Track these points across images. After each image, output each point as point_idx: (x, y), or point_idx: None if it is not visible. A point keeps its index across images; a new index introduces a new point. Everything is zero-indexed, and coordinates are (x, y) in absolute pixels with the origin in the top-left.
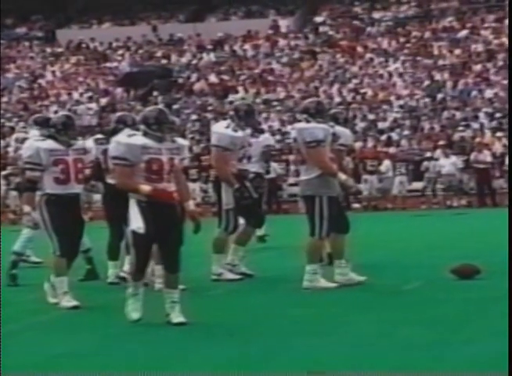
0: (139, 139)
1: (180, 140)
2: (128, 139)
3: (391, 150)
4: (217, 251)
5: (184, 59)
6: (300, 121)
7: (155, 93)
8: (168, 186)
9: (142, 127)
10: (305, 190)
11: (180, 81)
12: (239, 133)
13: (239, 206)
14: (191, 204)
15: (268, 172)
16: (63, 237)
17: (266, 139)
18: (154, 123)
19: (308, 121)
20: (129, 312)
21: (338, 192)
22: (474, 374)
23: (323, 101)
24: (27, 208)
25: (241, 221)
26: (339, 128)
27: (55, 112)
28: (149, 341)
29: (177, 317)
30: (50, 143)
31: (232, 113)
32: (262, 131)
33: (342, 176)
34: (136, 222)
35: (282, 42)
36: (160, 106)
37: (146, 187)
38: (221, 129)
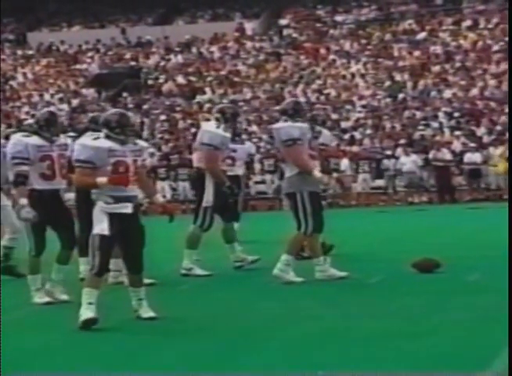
0: (105, 142)
1: (140, 142)
2: (94, 142)
3: (354, 148)
4: (189, 247)
5: (152, 61)
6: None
7: (124, 94)
8: (134, 188)
9: (104, 130)
10: (287, 188)
11: (149, 82)
12: (228, 134)
13: (218, 203)
14: (159, 197)
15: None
16: (39, 238)
17: (250, 147)
18: (117, 126)
19: (285, 121)
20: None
21: (319, 188)
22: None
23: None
24: (23, 201)
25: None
26: (318, 129)
27: (27, 113)
28: (118, 336)
29: (146, 312)
30: (36, 139)
31: (217, 115)
32: (240, 135)
33: (317, 174)
34: (100, 225)
35: (247, 44)
36: (121, 109)
37: (102, 178)
38: (213, 129)
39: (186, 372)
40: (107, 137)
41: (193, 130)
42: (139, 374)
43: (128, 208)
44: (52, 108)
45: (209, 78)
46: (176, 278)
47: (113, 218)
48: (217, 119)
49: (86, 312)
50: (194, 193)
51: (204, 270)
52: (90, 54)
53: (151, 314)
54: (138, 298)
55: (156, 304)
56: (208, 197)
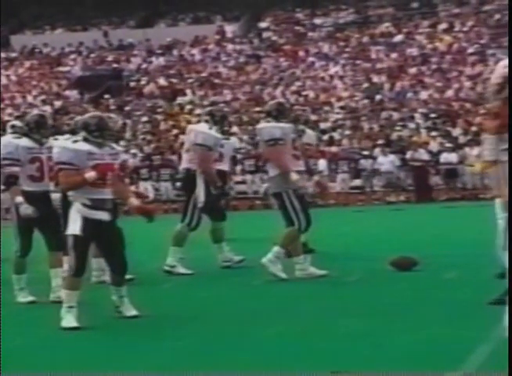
0: (84, 145)
1: (115, 146)
2: (73, 145)
3: (333, 149)
4: (175, 244)
5: (134, 64)
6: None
7: (107, 96)
8: (109, 191)
9: (82, 133)
10: (272, 188)
11: (131, 84)
12: (220, 135)
13: (208, 203)
14: (134, 200)
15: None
16: (26, 239)
17: (235, 142)
18: (95, 130)
19: (268, 122)
20: (65, 323)
21: (303, 186)
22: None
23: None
24: (19, 199)
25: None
26: (301, 128)
27: (10, 115)
28: (101, 336)
29: (129, 310)
30: (26, 141)
31: (207, 117)
32: (228, 138)
33: (294, 176)
34: (74, 225)
35: (228, 47)
36: (100, 113)
37: (90, 173)
38: (206, 130)
39: (168, 371)
40: (85, 140)
41: (175, 131)
42: (121, 373)
43: (105, 216)
44: (36, 110)
45: (190, 80)
46: (158, 277)
47: (88, 221)
48: (206, 121)
49: (68, 319)
50: (183, 193)
51: (187, 269)
52: (73, 56)
53: (134, 312)
54: (119, 295)
55: (138, 302)
56: (200, 197)
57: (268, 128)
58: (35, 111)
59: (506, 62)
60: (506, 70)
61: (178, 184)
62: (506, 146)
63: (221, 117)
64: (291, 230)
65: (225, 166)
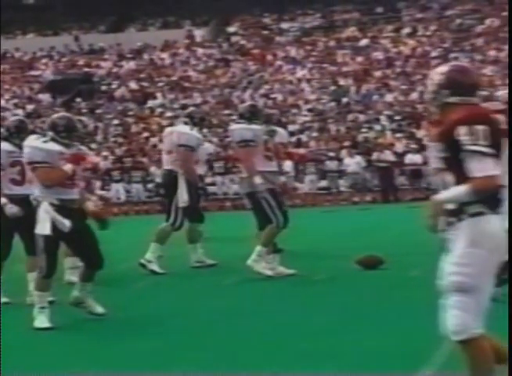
0: (54, 146)
1: (82, 147)
2: (45, 144)
3: (301, 150)
4: (156, 241)
5: (105, 68)
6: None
7: (78, 99)
8: (77, 191)
9: (50, 133)
10: (245, 188)
11: (102, 88)
12: (201, 136)
13: (191, 204)
14: (90, 205)
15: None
16: (6, 243)
17: (209, 146)
18: (63, 130)
19: (240, 124)
20: (38, 323)
21: (276, 184)
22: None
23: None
24: (3, 200)
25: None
26: (272, 128)
27: None
28: (73, 334)
29: (95, 308)
30: (6, 145)
31: (186, 119)
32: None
33: (257, 180)
34: (43, 225)
35: (197, 51)
36: (67, 113)
37: (67, 165)
38: (188, 131)
39: (140, 371)
40: (53, 140)
41: (146, 134)
42: (90, 373)
43: (65, 227)
44: (8, 113)
45: (160, 84)
46: (129, 277)
47: (55, 222)
48: (185, 123)
49: (40, 319)
50: (164, 193)
51: (160, 268)
52: (44, 61)
53: (101, 310)
54: (86, 291)
55: (110, 302)
56: (183, 197)
57: (239, 129)
58: (15, 117)
59: (442, 69)
60: (442, 76)
61: (156, 185)
62: (444, 154)
63: (200, 119)
64: (270, 228)
65: (200, 170)
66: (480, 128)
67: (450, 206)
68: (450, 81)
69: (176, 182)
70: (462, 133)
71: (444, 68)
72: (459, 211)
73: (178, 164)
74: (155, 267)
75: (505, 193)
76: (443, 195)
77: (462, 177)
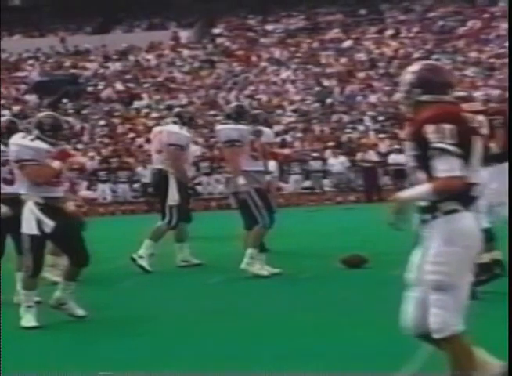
0: (41, 144)
1: (67, 146)
2: (32, 143)
3: (286, 151)
4: (151, 238)
5: (91, 69)
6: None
7: (65, 100)
8: (62, 190)
9: (35, 131)
10: (231, 188)
11: (88, 89)
12: (190, 135)
13: (181, 203)
14: (70, 205)
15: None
16: None
17: (196, 149)
18: (49, 129)
19: (227, 124)
20: (24, 322)
21: (263, 184)
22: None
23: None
24: None
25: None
26: (258, 128)
27: None
28: (60, 333)
29: (76, 310)
30: None
31: (175, 119)
32: None
33: (240, 181)
34: (29, 224)
35: (183, 52)
36: (54, 113)
37: (55, 163)
38: (178, 130)
39: (126, 370)
40: (38, 138)
41: (132, 134)
42: (77, 373)
43: (48, 226)
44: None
45: (146, 85)
46: (115, 276)
47: (40, 220)
48: (174, 122)
49: (27, 318)
50: (156, 193)
51: (149, 267)
52: (30, 62)
53: (82, 312)
54: (70, 291)
55: (96, 301)
56: (174, 196)
57: (225, 129)
58: (4, 117)
59: (413, 67)
60: (413, 75)
61: (142, 185)
62: (415, 153)
63: (189, 119)
64: (256, 229)
65: (188, 171)
66: (447, 126)
67: (423, 203)
68: (421, 79)
69: (166, 181)
70: (429, 131)
71: (415, 67)
72: (433, 209)
73: (169, 163)
74: (145, 263)
75: (481, 192)
76: (406, 193)
77: (430, 175)
